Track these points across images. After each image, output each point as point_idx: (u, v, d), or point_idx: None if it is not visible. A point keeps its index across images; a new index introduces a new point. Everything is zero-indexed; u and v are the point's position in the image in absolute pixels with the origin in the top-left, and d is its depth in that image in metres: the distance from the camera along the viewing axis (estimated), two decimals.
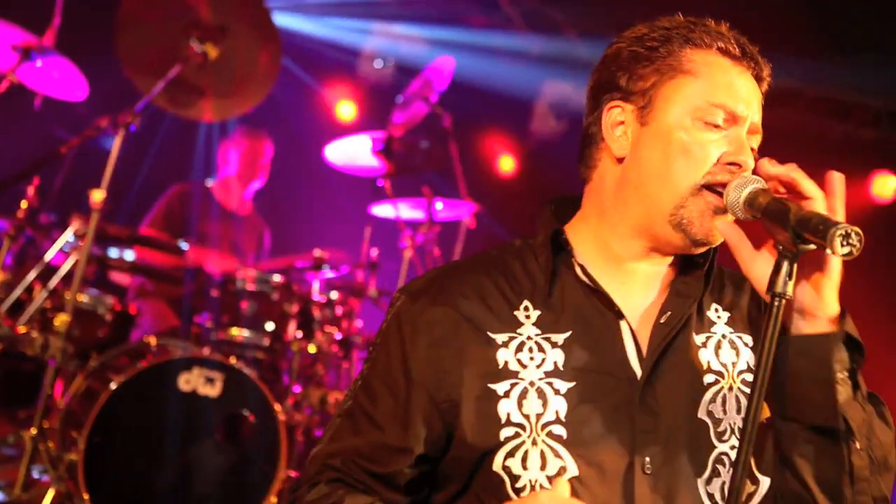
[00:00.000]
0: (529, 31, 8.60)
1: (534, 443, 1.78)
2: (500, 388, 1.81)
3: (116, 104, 5.12)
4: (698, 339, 1.93)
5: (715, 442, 1.86)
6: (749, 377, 1.92)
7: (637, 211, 1.88)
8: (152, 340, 5.11)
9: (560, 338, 1.86)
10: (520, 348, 1.84)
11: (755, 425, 1.63)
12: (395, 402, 1.88)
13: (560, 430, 1.79)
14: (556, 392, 1.81)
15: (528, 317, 1.89)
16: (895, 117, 8.82)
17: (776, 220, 1.66)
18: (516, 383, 1.81)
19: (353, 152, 6.05)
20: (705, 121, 1.83)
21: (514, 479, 1.78)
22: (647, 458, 1.80)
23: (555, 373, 1.82)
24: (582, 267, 1.90)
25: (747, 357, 1.95)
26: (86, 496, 4.43)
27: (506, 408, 1.80)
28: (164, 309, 6.11)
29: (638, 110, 1.88)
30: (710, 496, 1.83)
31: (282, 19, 6.34)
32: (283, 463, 4.80)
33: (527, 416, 1.79)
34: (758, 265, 1.76)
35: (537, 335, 1.86)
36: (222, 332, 5.28)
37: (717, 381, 1.90)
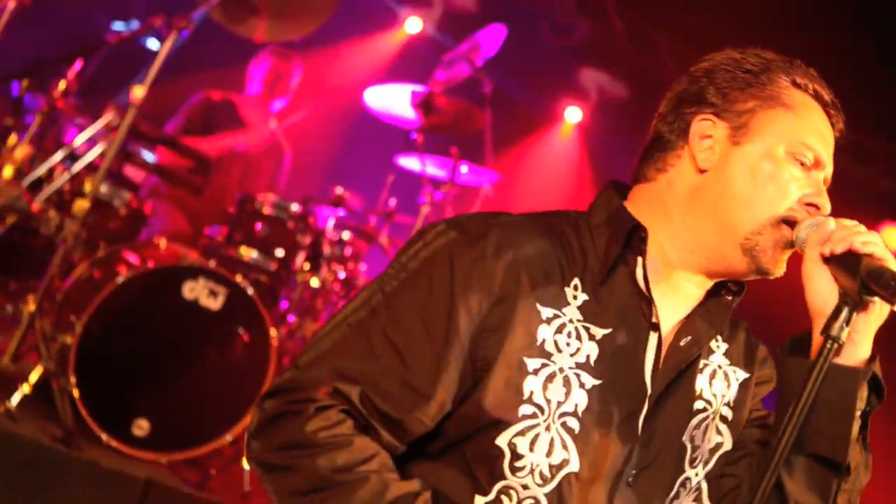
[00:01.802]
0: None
1: (547, 428, 1.78)
2: (532, 364, 1.79)
3: (170, 5, 5.13)
4: (700, 363, 1.99)
5: (686, 466, 1.94)
6: (726, 410, 1.99)
7: (708, 227, 1.89)
8: (162, 242, 5.15)
9: (599, 332, 1.85)
10: (560, 330, 1.82)
11: (783, 457, 1.68)
12: (430, 343, 1.77)
13: (574, 424, 1.80)
14: (581, 385, 1.81)
15: (575, 297, 1.85)
16: None
17: (845, 268, 1.71)
18: (547, 365, 1.79)
19: (391, 101, 6.08)
20: (796, 157, 1.87)
21: (516, 457, 1.77)
22: (634, 471, 1.85)
23: (585, 366, 1.82)
24: (644, 270, 1.89)
25: (733, 391, 2.01)
26: (72, 379, 4.49)
27: (531, 385, 1.78)
28: (177, 214, 6.15)
29: (731, 129, 1.90)
30: None
31: None
32: (267, 387, 4.86)
33: (548, 401, 1.78)
34: (818, 281, 1.79)
35: (579, 321, 1.84)
36: (232, 248, 5.32)
37: (704, 409, 1.97)
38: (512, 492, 1.78)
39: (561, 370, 1.80)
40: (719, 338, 2.02)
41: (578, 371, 1.81)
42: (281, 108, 6.84)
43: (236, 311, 4.83)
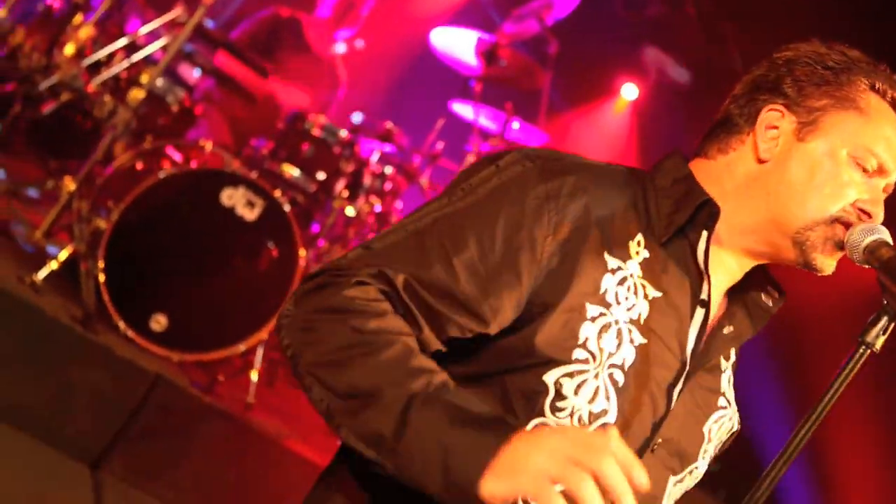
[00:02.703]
0: None
1: (596, 376, 1.78)
2: (592, 311, 1.77)
3: None
4: (725, 364, 2.01)
5: (698, 457, 1.96)
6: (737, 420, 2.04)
7: (761, 214, 1.89)
8: (208, 145, 5.17)
9: (653, 293, 1.85)
10: (622, 282, 1.81)
11: (796, 453, 1.71)
12: (484, 264, 1.74)
13: (619, 377, 1.80)
14: (632, 342, 1.82)
15: (637, 253, 1.85)
16: None
17: (893, 277, 1.71)
18: (604, 314, 1.79)
19: (455, 44, 6.05)
20: (858, 161, 1.86)
21: (560, 397, 1.76)
22: (660, 440, 1.87)
23: (636, 323, 1.82)
24: (707, 245, 1.87)
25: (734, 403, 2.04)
26: (101, 263, 4.54)
27: (587, 331, 1.77)
28: (224, 123, 6.17)
29: (799, 124, 1.89)
30: (670, 495, 1.93)
31: None
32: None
33: (601, 350, 1.78)
34: None
35: (639, 277, 1.84)
36: (275, 163, 5.35)
37: (724, 407, 1.99)
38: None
39: (616, 322, 1.80)
40: (734, 352, 2.04)
41: (630, 326, 1.81)
42: (347, 37, 6.84)
43: (270, 226, 4.85)
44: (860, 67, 1.92)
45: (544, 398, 1.76)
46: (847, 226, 1.84)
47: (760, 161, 1.91)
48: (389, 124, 5.68)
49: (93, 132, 5.16)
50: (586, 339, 1.77)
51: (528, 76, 6.06)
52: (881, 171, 1.88)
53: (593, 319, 1.78)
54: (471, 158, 5.87)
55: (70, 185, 4.77)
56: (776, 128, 1.91)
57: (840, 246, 1.85)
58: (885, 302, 1.72)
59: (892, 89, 1.91)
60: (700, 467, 1.98)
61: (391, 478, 1.60)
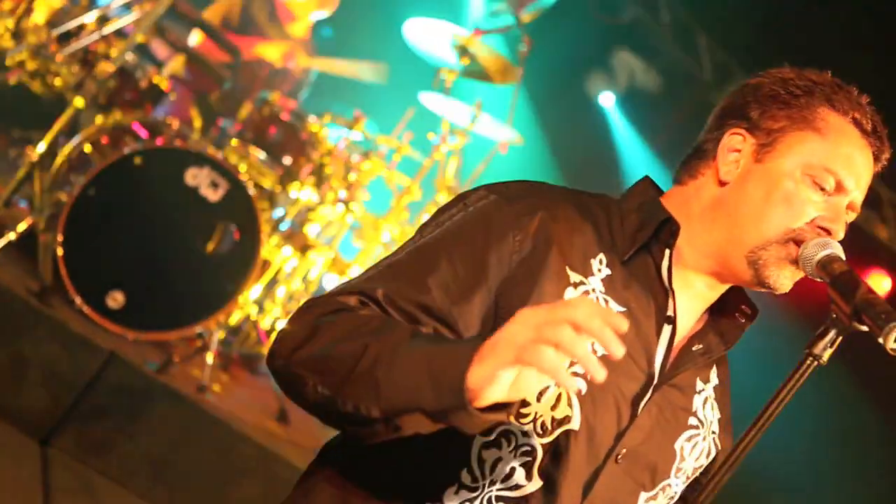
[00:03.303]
0: None
1: (557, 384, 1.78)
2: None
3: None
4: (701, 385, 2.03)
5: (672, 472, 1.98)
6: (717, 440, 2.05)
7: (720, 235, 1.92)
8: (175, 123, 5.14)
9: (617, 307, 1.87)
10: (583, 296, 1.84)
11: (739, 460, 1.73)
12: (455, 281, 1.80)
13: (581, 384, 1.83)
14: (594, 352, 1.76)
15: (599, 270, 1.89)
16: None
17: (842, 292, 1.72)
18: None
19: (430, 36, 6.03)
20: (814, 181, 1.88)
21: (523, 404, 1.79)
22: (624, 450, 1.88)
23: None
24: (670, 262, 1.91)
25: (714, 425, 2.05)
26: (59, 237, 4.50)
27: None
28: (191, 100, 6.13)
29: (758, 146, 1.93)
30: None
31: None
32: (246, 290, 4.90)
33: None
34: None
35: (601, 292, 1.87)
36: (242, 145, 5.32)
37: (697, 427, 2.01)
38: (512, 437, 1.81)
39: None
40: (716, 370, 2.07)
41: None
42: (321, 18, 6.82)
43: (234, 208, 4.83)
44: (822, 90, 1.94)
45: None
46: (801, 243, 1.86)
47: (722, 184, 1.95)
48: (357, 112, 5.67)
49: (58, 104, 5.10)
50: None
51: (500, 72, 6.06)
52: (840, 189, 1.90)
53: None
54: (436, 152, 5.86)
55: (32, 155, 4.72)
56: (738, 151, 1.95)
57: (795, 262, 1.87)
58: (834, 315, 1.73)
59: (853, 109, 1.93)
60: (674, 485, 1.99)
61: (372, 475, 1.78)
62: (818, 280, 1.83)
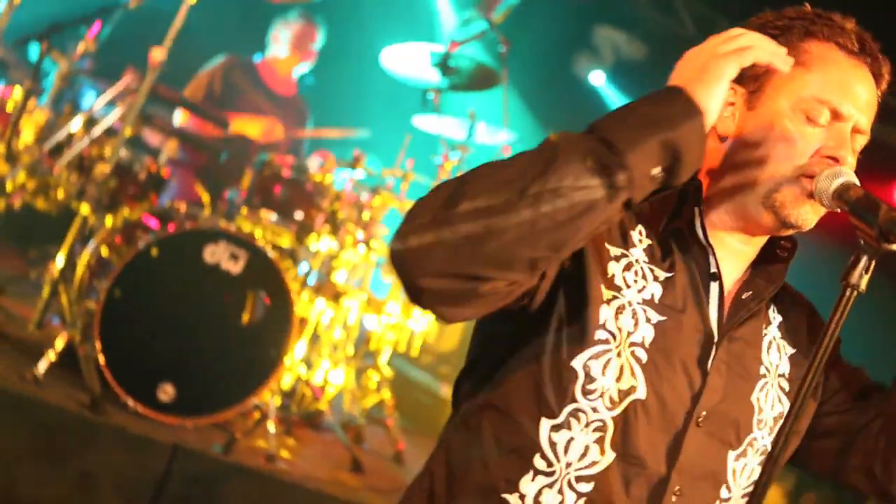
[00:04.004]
0: None
1: (618, 354, 1.82)
2: (605, 294, 1.84)
3: None
4: (766, 330, 2.02)
5: (754, 426, 1.96)
6: (784, 382, 2.02)
7: (732, 188, 1.92)
8: (182, 206, 5.17)
9: (662, 274, 1.90)
10: (628, 268, 1.87)
11: (797, 417, 1.69)
12: None
13: (642, 354, 1.84)
14: (648, 320, 1.86)
15: (640, 241, 1.92)
16: None
17: (863, 216, 1.70)
18: (617, 297, 1.84)
19: (409, 60, 6.05)
20: (808, 115, 1.86)
21: (589, 380, 1.81)
22: (704, 413, 1.88)
23: (650, 303, 1.87)
24: (702, 219, 1.93)
25: (785, 366, 2.03)
26: (98, 345, 4.52)
27: (605, 313, 1.83)
28: (194, 180, 6.17)
29: (748, 94, 1.92)
30: (734, 472, 1.94)
31: None
32: (289, 351, 4.90)
33: (619, 329, 1.83)
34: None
35: (645, 262, 1.90)
36: (252, 211, 5.33)
37: (765, 375, 2.00)
38: (581, 414, 1.82)
39: (630, 303, 1.85)
40: (775, 309, 2.06)
41: (645, 307, 1.86)
42: (304, 72, 6.87)
43: (258, 274, 4.84)
44: (800, 24, 1.93)
45: (575, 384, 1.82)
46: (813, 177, 1.84)
47: (722, 139, 1.95)
48: (356, 151, 5.68)
49: (66, 215, 5.15)
50: (605, 320, 1.83)
51: (486, 78, 6.06)
52: (838, 116, 1.88)
53: (608, 302, 1.84)
54: (442, 171, 5.86)
55: (53, 271, 4.76)
56: (732, 104, 1.94)
57: (812, 196, 1.84)
58: (862, 242, 1.71)
59: (835, 35, 1.91)
60: (760, 439, 1.96)
61: (451, 477, 1.90)
62: (838, 211, 1.80)
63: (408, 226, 1.59)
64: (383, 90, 7.03)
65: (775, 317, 2.06)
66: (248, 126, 6.50)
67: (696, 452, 1.88)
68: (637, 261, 1.89)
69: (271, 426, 4.79)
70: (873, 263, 1.70)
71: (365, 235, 5.63)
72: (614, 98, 8.95)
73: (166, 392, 4.64)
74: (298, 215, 5.39)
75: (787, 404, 2.01)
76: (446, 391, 7.04)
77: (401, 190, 5.93)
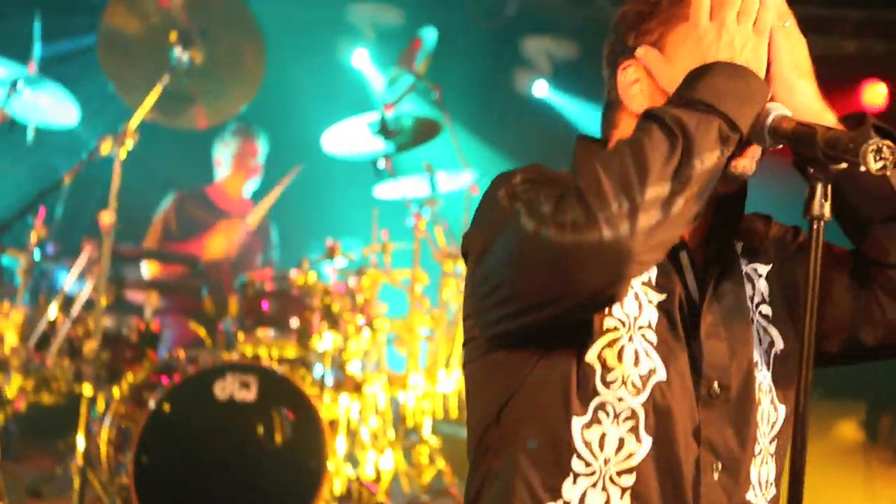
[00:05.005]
0: None
1: (630, 339, 1.81)
2: None
3: (111, 124, 5.12)
4: (743, 270, 2.02)
5: (755, 374, 1.93)
6: (765, 308, 2.00)
7: None
8: (181, 353, 5.13)
9: None
10: None
11: (811, 346, 1.64)
12: None
13: (652, 336, 1.84)
14: (650, 302, 1.86)
15: None
16: (876, 26, 8.82)
17: (804, 145, 1.66)
18: None
19: (349, 137, 6.04)
20: None
21: (607, 370, 1.80)
22: (716, 383, 1.87)
23: (648, 284, 1.87)
24: None
25: (762, 288, 2.01)
26: None
27: None
28: (185, 321, 6.13)
29: (647, 68, 1.90)
30: (757, 422, 1.92)
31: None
32: (330, 456, 4.82)
33: (627, 315, 1.83)
34: None
35: None
36: (248, 335, 5.29)
37: (752, 312, 1.99)
38: (609, 406, 1.80)
39: (631, 286, 1.85)
40: (742, 245, 2.04)
41: (644, 288, 1.87)
42: (255, 187, 6.86)
43: (274, 393, 4.79)
44: None
45: (594, 377, 1.80)
46: None
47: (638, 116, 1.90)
48: (329, 241, 5.65)
49: (72, 400, 5.10)
50: (610, 307, 1.82)
51: (428, 129, 6.04)
52: None
53: None
54: (418, 232, 5.83)
55: (78, 461, 4.71)
56: (637, 80, 1.93)
57: (748, 142, 1.79)
58: (811, 170, 1.66)
59: None
60: (762, 380, 1.94)
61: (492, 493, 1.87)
62: (779, 147, 1.76)
63: (603, 215, 1.58)
64: (337, 172, 6.99)
65: (740, 246, 2.04)
66: (213, 243, 6.47)
67: (719, 418, 1.86)
68: None
69: None
70: (830, 187, 1.65)
71: (366, 319, 5.58)
72: (563, 103, 8.92)
73: None
74: (294, 323, 5.34)
75: (774, 333, 1.99)
76: None
77: (385, 263, 5.90)
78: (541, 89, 9.01)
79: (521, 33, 8.92)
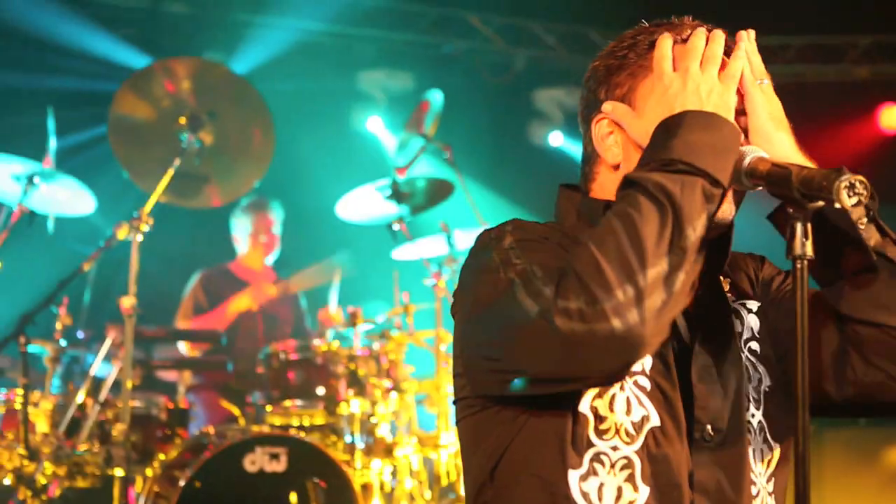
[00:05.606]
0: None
1: (621, 388, 1.81)
2: None
3: (127, 209, 5.20)
4: (731, 303, 2.01)
5: (745, 413, 1.94)
6: (754, 345, 2.00)
7: None
8: (210, 430, 5.16)
9: None
10: None
11: (806, 385, 1.64)
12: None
13: (644, 382, 1.84)
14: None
15: None
16: (885, 49, 8.84)
17: (780, 185, 1.68)
18: None
19: (364, 203, 6.10)
20: None
21: (600, 420, 1.80)
22: (709, 427, 1.86)
23: None
24: None
25: (751, 323, 2.02)
26: None
27: None
28: (215, 397, 6.17)
29: (617, 121, 1.93)
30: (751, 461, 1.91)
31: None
32: None
33: None
34: None
35: None
36: (276, 406, 5.31)
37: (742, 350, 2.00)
38: (603, 457, 1.80)
39: None
40: (729, 280, 2.05)
41: None
42: (276, 258, 6.93)
43: (303, 464, 4.81)
44: (642, 38, 1.95)
45: (587, 428, 1.80)
46: None
47: (616, 168, 1.96)
48: (351, 308, 5.68)
49: (106, 482, 5.11)
50: None
51: (441, 189, 6.10)
52: None
53: None
54: (439, 291, 5.85)
55: None
56: (611, 132, 1.96)
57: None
58: (791, 210, 1.67)
59: (680, 34, 1.91)
60: (752, 419, 1.94)
61: None
62: (758, 188, 1.77)
63: (610, 304, 1.58)
64: (353, 239, 7.03)
65: (728, 283, 2.04)
66: (239, 302, 6.52)
67: (707, 471, 1.85)
68: None
69: None
70: (809, 225, 1.66)
71: (393, 382, 5.59)
72: (578, 150, 8.94)
73: None
74: (321, 391, 5.37)
75: (762, 370, 1.99)
76: None
77: (408, 325, 5.91)
78: (556, 139, 9.07)
79: (532, 86, 9.01)
